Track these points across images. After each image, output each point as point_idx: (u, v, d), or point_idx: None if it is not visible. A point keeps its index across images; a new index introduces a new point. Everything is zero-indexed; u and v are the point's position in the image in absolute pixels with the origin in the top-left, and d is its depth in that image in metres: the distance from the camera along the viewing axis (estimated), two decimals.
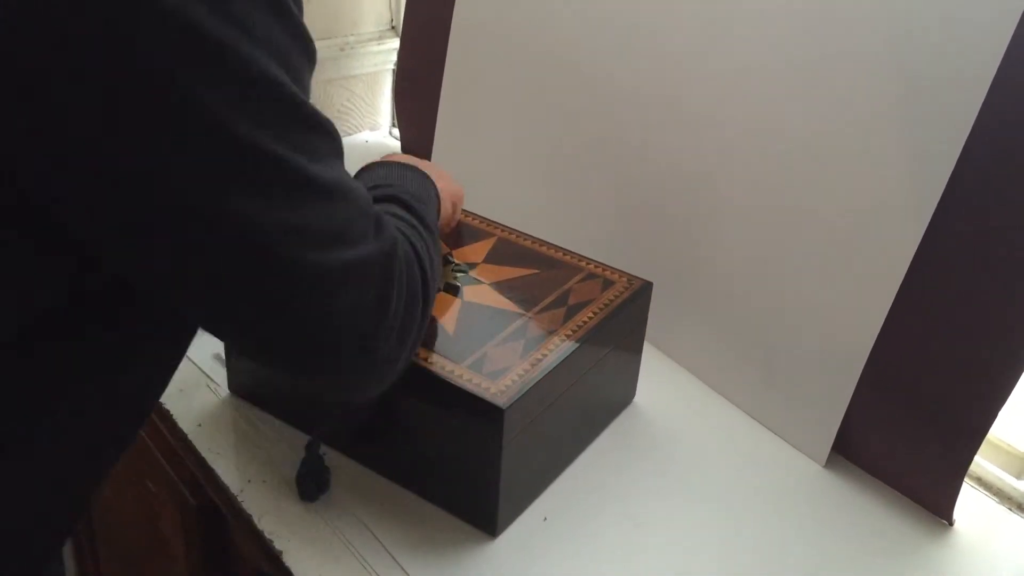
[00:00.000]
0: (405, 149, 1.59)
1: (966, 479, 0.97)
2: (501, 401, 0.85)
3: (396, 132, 1.66)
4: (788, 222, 1.03)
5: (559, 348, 0.92)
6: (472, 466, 0.89)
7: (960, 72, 0.86)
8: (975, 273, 0.90)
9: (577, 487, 0.98)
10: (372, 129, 1.70)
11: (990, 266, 0.89)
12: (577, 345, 0.93)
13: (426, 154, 1.49)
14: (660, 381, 1.13)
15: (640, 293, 1.03)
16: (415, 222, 0.79)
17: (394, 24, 1.63)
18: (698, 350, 1.15)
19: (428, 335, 0.92)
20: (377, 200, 0.80)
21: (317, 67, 1.55)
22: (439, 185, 0.93)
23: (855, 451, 1.03)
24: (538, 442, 0.93)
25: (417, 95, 1.53)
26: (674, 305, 1.14)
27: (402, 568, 0.87)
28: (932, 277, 0.93)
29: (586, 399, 0.99)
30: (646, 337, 1.08)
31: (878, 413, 0.99)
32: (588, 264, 1.06)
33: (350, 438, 0.98)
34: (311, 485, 0.94)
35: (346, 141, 1.60)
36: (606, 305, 0.99)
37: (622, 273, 1.05)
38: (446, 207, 0.96)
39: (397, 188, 0.84)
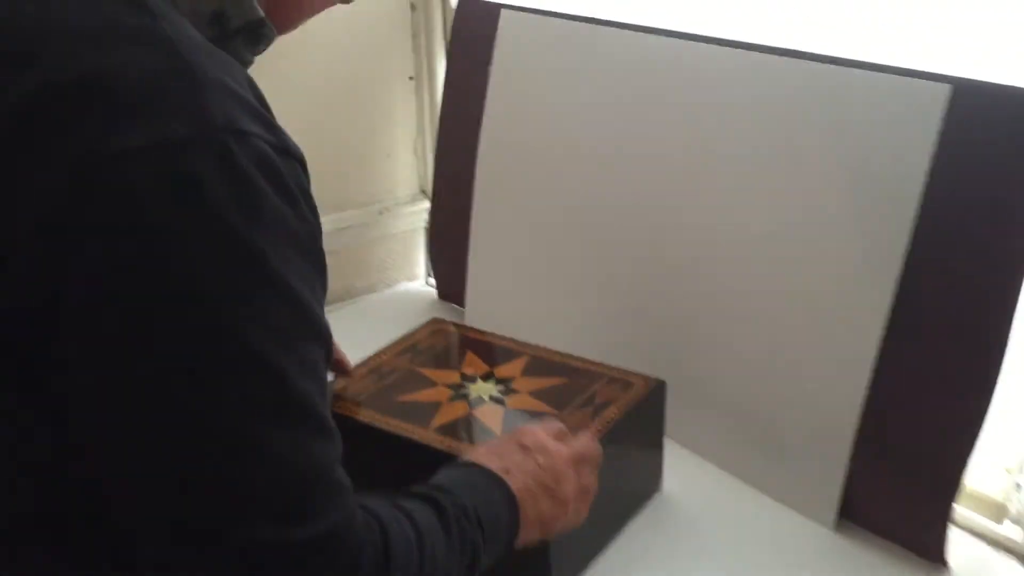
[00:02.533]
0: (442, 294, 1.80)
1: (959, 528, 1.12)
2: None
3: (432, 281, 1.87)
4: (774, 316, 1.21)
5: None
6: (524, 549, 1.05)
7: (901, 162, 1.07)
8: (938, 345, 1.08)
9: (617, 562, 1.13)
10: (410, 280, 1.91)
11: (949, 338, 1.07)
12: (603, 435, 1.10)
13: (459, 297, 1.70)
14: (683, 471, 1.29)
15: (656, 391, 1.20)
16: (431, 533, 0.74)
17: (423, 188, 1.87)
18: (712, 439, 1.31)
19: (481, 436, 1.10)
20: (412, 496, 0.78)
21: (361, 228, 1.78)
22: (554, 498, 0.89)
23: (859, 513, 1.18)
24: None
25: (448, 247, 1.75)
26: (688, 401, 1.31)
27: None
28: (902, 349, 1.10)
29: (617, 486, 1.15)
30: (669, 433, 1.25)
31: (873, 476, 1.15)
32: (610, 370, 1.24)
33: None
34: None
35: (386, 292, 1.84)
36: (627, 403, 1.17)
37: (640, 375, 1.22)
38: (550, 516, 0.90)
39: (447, 491, 0.81)
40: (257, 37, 0.71)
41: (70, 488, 0.62)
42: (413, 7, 1.76)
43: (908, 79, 1.07)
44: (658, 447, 1.24)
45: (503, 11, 1.57)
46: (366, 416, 1.15)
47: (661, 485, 1.26)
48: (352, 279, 1.84)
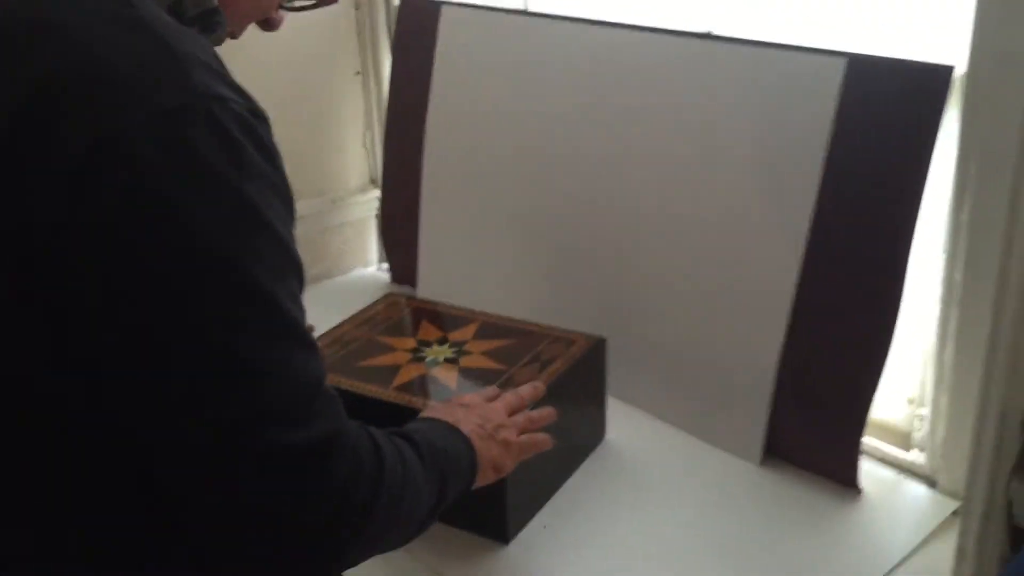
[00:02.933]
0: (395, 278, 1.90)
1: (871, 457, 1.26)
2: None
3: (385, 266, 1.97)
4: (700, 278, 1.34)
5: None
6: (484, 488, 1.16)
7: (805, 130, 1.20)
8: (842, 296, 1.21)
9: (567, 503, 1.25)
10: (364, 266, 2.01)
11: (851, 290, 1.20)
12: (549, 386, 1.21)
13: (412, 278, 1.80)
14: (625, 422, 1.40)
15: (597, 347, 1.32)
16: (407, 457, 0.84)
17: (373, 178, 1.97)
18: (650, 392, 1.43)
19: (438, 392, 1.20)
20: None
21: (315, 217, 1.86)
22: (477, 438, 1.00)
23: (782, 449, 1.30)
24: (532, 466, 1.19)
25: (399, 233, 1.85)
26: (627, 358, 1.42)
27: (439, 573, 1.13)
28: (812, 302, 1.23)
29: (565, 432, 1.26)
30: (611, 388, 1.37)
31: (792, 415, 1.28)
32: (554, 331, 1.35)
33: None
34: None
35: (342, 279, 1.94)
36: (570, 358, 1.28)
37: (582, 334, 1.34)
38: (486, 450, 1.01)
39: (416, 431, 0.92)
40: (211, 25, 0.80)
41: (107, 438, 0.70)
42: (357, 5, 1.86)
43: (808, 55, 1.20)
44: (601, 400, 1.36)
45: (444, 7, 1.68)
46: (331, 380, 1.25)
47: (605, 435, 1.38)
48: (308, 266, 1.88)
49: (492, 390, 1.12)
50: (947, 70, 1.09)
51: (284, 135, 1.81)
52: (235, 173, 0.67)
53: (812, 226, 1.21)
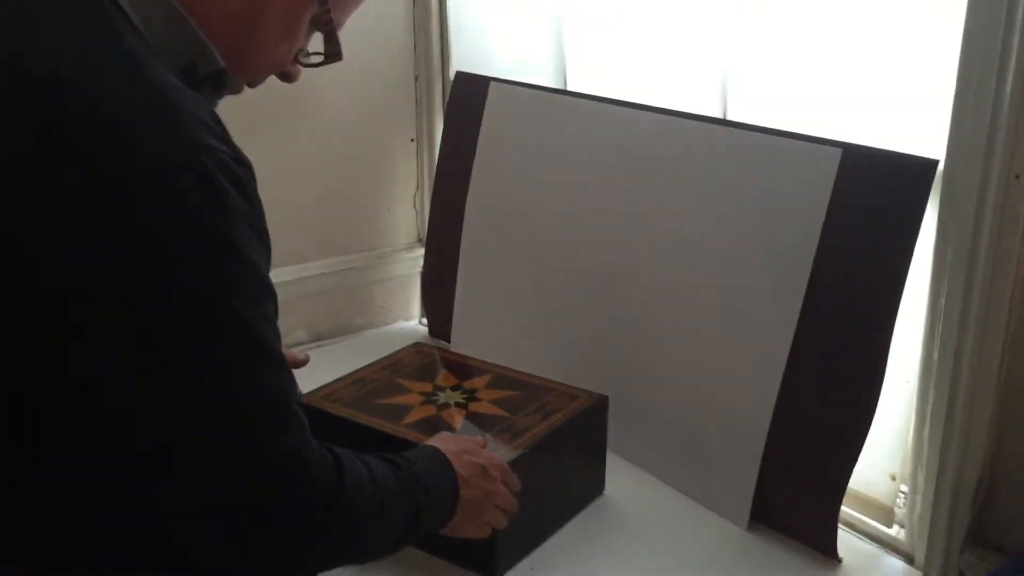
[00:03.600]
0: (432, 332, 2.01)
1: (853, 531, 1.31)
2: None
3: (424, 320, 2.08)
4: (700, 347, 1.41)
5: (536, 437, 1.29)
6: None
7: (803, 212, 1.28)
8: (830, 371, 1.27)
9: (558, 549, 1.32)
10: (406, 320, 2.13)
11: (838, 366, 1.26)
12: (548, 435, 1.30)
13: (447, 334, 1.90)
14: (625, 479, 1.47)
15: (599, 404, 1.40)
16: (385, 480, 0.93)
17: (420, 237, 2.10)
18: (650, 451, 1.50)
19: (443, 431, 1.30)
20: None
21: (363, 271, 1.97)
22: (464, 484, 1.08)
23: (768, 514, 1.36)
24: (525, 506, 1.27)
25: (438, 290, 1.96)
26: (631, 419, 1.50)
27: None
28: (802, 373, 1.30)
29: (561, 481, 1.35)
30: (615, 446, 1.45)
31: (778, 483, 1.33)
32: (561, 386, 1.44)
33: None
34: None
35: (384, 330, 2.06)
36: (572, 411, 1.37)
37: (586, 391, 1.42)
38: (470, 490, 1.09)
39: (403, 459, 1.01)
40: (221, 84, 0.91)
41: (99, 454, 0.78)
42: (416, 78, 2.01)
43: (808, 143, 1.29)
44: (601, 455, 1.43)
45: (492, 83, 1.81)
46: (347, 413, 1.36)
47: (604, 489, 1.45)
48: (353, 316, 2.06)
49: (482, 441, 1.21)
50: (932, 163, 1.17)
51: (341, 192, 1.97)
52: (220, 216, 0.77)
53: (804, 302, 1.28)
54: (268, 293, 0.82)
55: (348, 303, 2.04)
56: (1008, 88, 1.02)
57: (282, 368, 0.82)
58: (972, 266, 1.10)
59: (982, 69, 1.06)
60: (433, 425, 1.33)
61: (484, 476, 1.11)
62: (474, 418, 1.36)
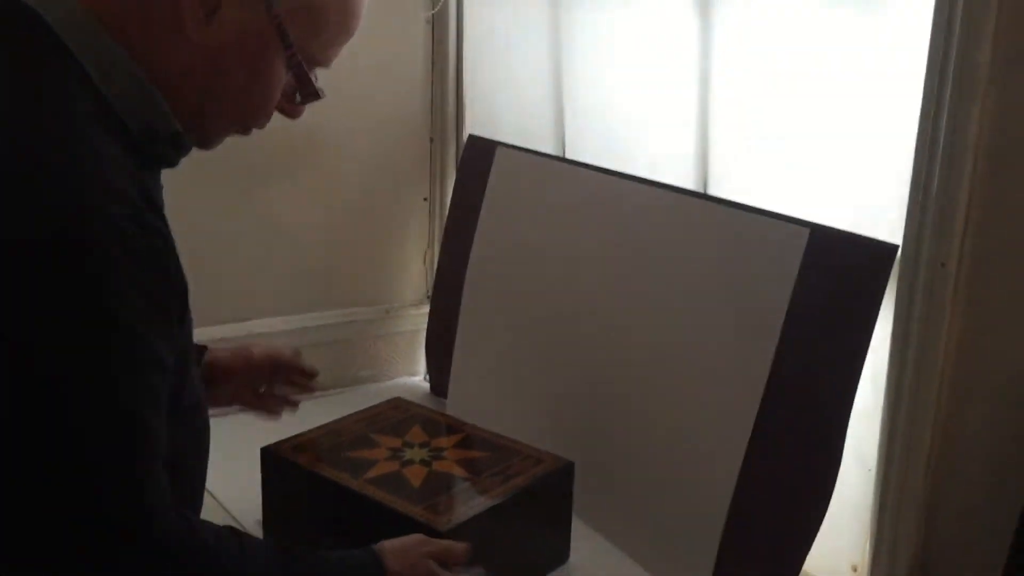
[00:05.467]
0: (433, 389, 2.02)
1: None
2: (442, 527, 1.22)
3: (428, 376, 2.10)
4: (667, 423, 1.40)
5: (493, 500, 1.29)
6: None
7: (770, 287, 1.27)
8: (787, 455, 1.25)
9: None
10: (410, 375, 2.15)
11: (796, 449, 1.24)
12: (504, 500, 1.30)
13: (446, 392, 1.92)
14: (590, 548, 1.45)
15: (564, 469, 1.40)
16: None
17: (429, 293, 2.12)
18: (617, 523, 1.48)
19: (400, 488, 1.31)
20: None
21: (368, 324, 2.00)
22: None
23: None
24: (479, 566, 1.27)
25: (440, 348, 1.98)
26: (602, 488, 1.49)
27: None
28: (762, 457, 1.28)
29: (519, 546, 1.34)
30: (583, 514, 1.44)
31: (735, 562, 1.31)
32: (529, 449, 1.44)
33: None
34: None
35: (386, 385, 2.08)
36: (533, 475, 1.36)
37: (552, 455, 1.42)
38: None
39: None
40: (179, 145, 0.93)
41: None
42: (432, 139, 2.06)
43: (779, 221, 1.29)
44: (566, 521, 1.42)
45: (498, 148, 1.84)
46: (308, 464, 1.38)
47: (568, 558, 1.43)
48: (358, 368, 2.08)
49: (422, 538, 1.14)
50: (892, 248, 1.16)
51: (353, 245, 2.01)
52: (89, 287, 0.78)
53: (768, 379, 1.27)
54: (148, 360, 0.82)
55: (353, 355, 2.07)
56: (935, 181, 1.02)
57: (143, 437, 0.82)
58: (932, 350, 1.08)
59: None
60: (392, 481, 1.34)
61: None
62: (433, 476, 1.36)
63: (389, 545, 1.06)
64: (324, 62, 0.98)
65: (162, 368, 0.84)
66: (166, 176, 0.97)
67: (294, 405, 1.40)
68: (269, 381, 1.37)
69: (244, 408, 1.36)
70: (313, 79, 0.96)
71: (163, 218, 0.87)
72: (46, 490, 0.78)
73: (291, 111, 0.99)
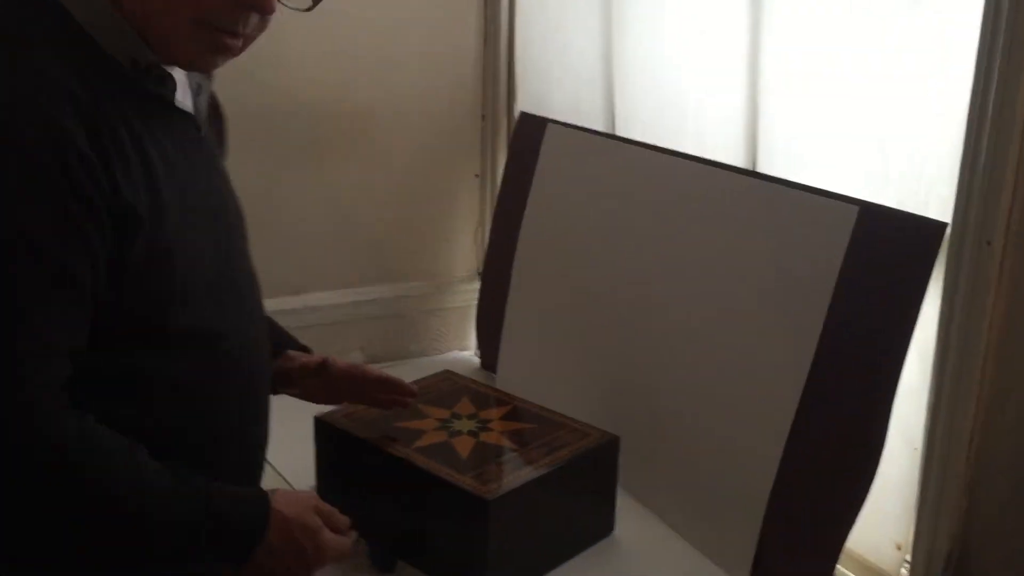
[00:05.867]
0: (484, 364, 2.05)
1: None
2: (489, 495, 1.25)
3: (478, 351, 2.13)
4: (713, 398, 1.41)
5: (539, 471, 1.32)
6: (464, 550, 1.27)
7: (817, 266, 1.27)
8: (832, 432, 1.26)
9: None
10: (461, 350, 2.18)
11: (841, 425, 1.25)
12: (550, 471, 1.32)
13: (495, 366, 1.95)
14: (636, 520, 1.48)
15: (609, 443, 1.42)
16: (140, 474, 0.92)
17: (480, 269, 2.15)
18: (662, 497, 1.50)
19: (448, 458, 1.34)
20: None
21: (420, 298, 2.05)
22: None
23: (767, 570, 1.34)
24: (522, 538, 1.30)
25: (490, 323, 2.01)
26: (649, 462, 1.51)
27: None
28: (807, 434, 1.29)
29: (564, 517, 1.37)
30: (629, 487, 1.46)
31: (778, 540, 1.32)
32: (575, 423, 1.46)
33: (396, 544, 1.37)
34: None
35: (438, 358, 2.12)
36: (578, 448, 1.39)
37: (598, 429, 1.44)
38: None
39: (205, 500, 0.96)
40: (161, 76, 0.97)
41: None
42: (484, 116, 2.08)
43: (828, 200, 1.29)
44: (610, 494, 1.45)
45: (549, 125, 1.86)
46: (363, 433, 1.41)
47: (613, 530, 1.46)
48: (408, 342, 2.12)
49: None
50: (940, 225, 1.15)
51: (406, 221, 2.07)
52: None
53: (815, 356, 1.28)
54: (34, 264, 0.86)
55: (405, 329, 2.11)
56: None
57: (24, 335, 0.87)
58: (977, 336, 1.08)
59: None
60: (440, 451, 1.37)
61: (297, 556, 1.03)
62: (481, 447, 1.39)
63: (281, 491, 1.07)
64: None
65: (63, 271, 0.88)
66: (243, 152, 1.08)
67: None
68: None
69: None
70: None
71: (112, 137, 0.91)
72: None
73: (259, 2, 0.97)
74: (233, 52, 1.00)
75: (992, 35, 1.01)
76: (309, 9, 1.01)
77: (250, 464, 1.14)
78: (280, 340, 1.33)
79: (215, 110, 1.15)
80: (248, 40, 1.01)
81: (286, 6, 0.99)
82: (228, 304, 1.06)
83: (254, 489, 1.07)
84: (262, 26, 1.00)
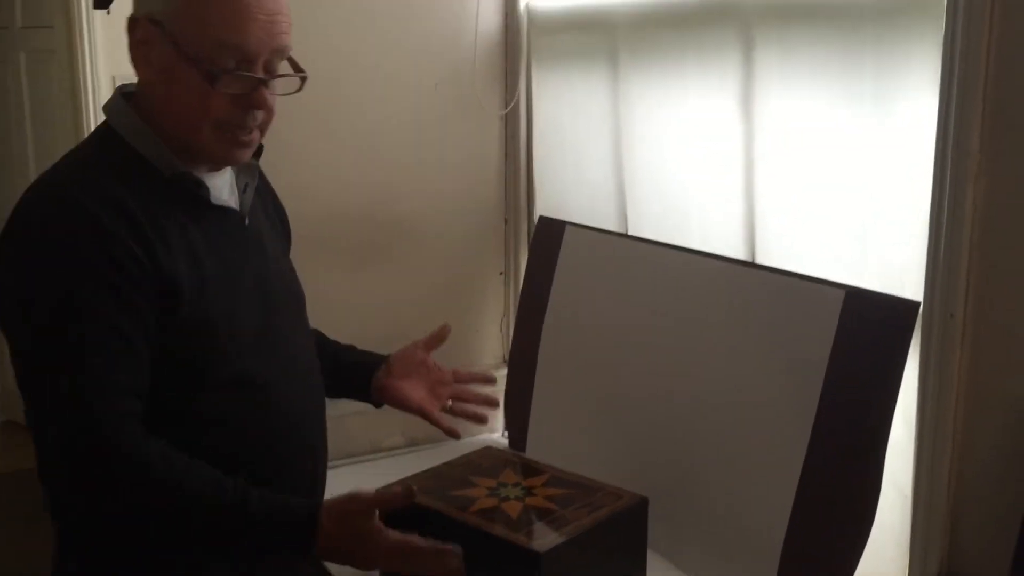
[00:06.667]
0: (512, 444, 2.25)
1: None
2: (540, 549, 1.44)
3: (506, 434, 2.33)
4: (727, 466, 1.62)
5: (578, 529, 1.51)
6: None
7: (812, 344, 1.50)
8: (832, 489, 1.46)
9: None
10: (490, 432, 2.38)
11: (838, 483, 1.45)
12: (592, 527, 1.52)
13: (523, 446, 2.15)
14: (663, 573, 1.67)
15: (639, 504, 1.61)
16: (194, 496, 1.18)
17: (505, 358, 2.37)
18: (690, 556, 1.69)
19: (501, 519, 1.53)
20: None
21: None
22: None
23: None
24: None
25: (518, 407, 2.22)
26: (668, 525, 1.70)
27: None
28: (810, 493, 1.49)
29: (602, 570, 1.55)
30: (664, 553, 1.66)
31: None
32: (608, 487, 1.66)
33: None
34: None
35: (469, 441, 2.30)
36: (614, 508, 1.58)
37: (630, 492, 1.64)
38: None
39: (249, 503, 1.20)
40: (201, 184, 1.25)
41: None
42: (506, 220, 2.33)
43: (819, 285, 1.52)
44: (642, 552, 1.63)
45: (568, 227, 2.10)
46: (425, 501, 1.61)
47: None
48: None
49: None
50: (915, 304, 1.38)
51: (438, 315, 2.29)
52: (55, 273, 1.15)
53: (815, 421, 1.49)
54: (94, 323, 1.15)
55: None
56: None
57: (89, 375, 1.14)
58: (947, 396, 1.30)
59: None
60: (493, 513, 1.57)
61: (353, 539, 1.25)
62: (528, 509, 1.59)
63: (328, 503, 1.27)
64: (238, 56, 1.21)
65: (117, 329, 1.16)
66: (295, 251, 1.40)
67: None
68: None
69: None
70: (221, 76, 1.20)
71: (154, 228, 1.19)
72: (41, 411, 1.17)
73: (250, 101, 1.23)
74: (251, 145, 1.29)
75: (943, 150, 1.26)
76: (298, 90, 1.28)
77: (306, 495, 1.35)
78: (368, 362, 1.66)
79: (277, 206, 1.48)
80: (263, 129, 1.29)
81: (279, 95, 1.26)
82: (270, 358, 1.32)
83: (305, 503, 1.27)
84: (269, 117, 1.27)
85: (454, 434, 1.63)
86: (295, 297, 1.43)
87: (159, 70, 1.21)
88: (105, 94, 2.63)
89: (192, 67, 1.19)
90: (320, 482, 1.42)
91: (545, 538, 1.49)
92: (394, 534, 1.29)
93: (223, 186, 1.32)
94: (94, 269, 1.15)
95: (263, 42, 1.20)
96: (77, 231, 1.15)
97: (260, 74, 1.22)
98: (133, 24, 1.22)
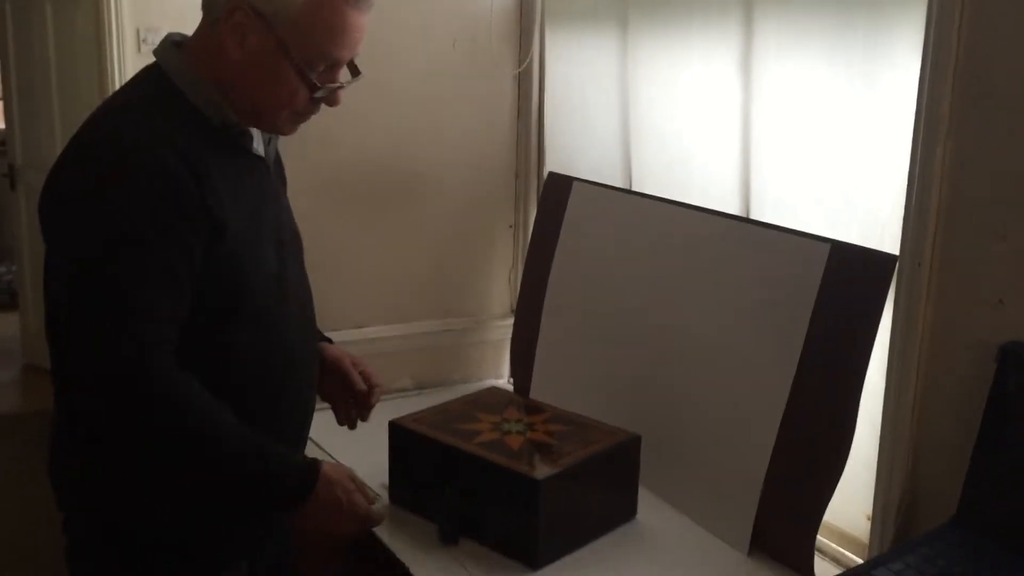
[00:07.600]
0: (516, 390, 2.37)
1: (835, 562, 1.59)
2: (538, 477, 1.56)
3: (511, 379, 2.45)
4: (714, 402, 1.73)
5: (575, 460, 1.63)
6: (517, 524, 1.58)
7: (798, 294, 1.60)
8: (813, 424, 1.57)
9: (590, 556, 1.63)
10: (496, 378, 2.50)
11: (820, 419, 1.56)
12: (587, 459, 1.63)
13: (527, 392, 2.26)
14: (653, 508, 1.78)
15: (632, 441, 1.73)
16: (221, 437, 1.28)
17: (513, 307, 2.48)
18: (676, 488, 1.80)
19: (503, 451, 1.65)
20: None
21: (461, 333, 2.42)
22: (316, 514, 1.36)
23: (764, 542, 1.64)
24: (564, 515, 1.60)
25: (523, 354, 2.33)
26: (667, 461, 1.81)
27: None
28: (793, 427, 1.60)
29: (596, 500, 1.67)
30: (651, 485, 1.77)
31: (771, 515, 1.62)
32: (604, 425, 1.77)
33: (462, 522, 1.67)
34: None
35: (476, 384, 2.43)
36: (607, 443, 1.70)
37: (624, 431, 1.75)
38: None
39: (268, 460, 1.32)
40: (242, 132, 1.36)
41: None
42: (517, 175, 2.43)
43: (805, 238, 1.62)
44: (633, 484, 1.75)
45: (575, 182, 2.20)
46: (431, 433, 1.73)
47: (636, 515, 1.76)
48: (451, 371, 2.45)
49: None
50: (893, 258, 1.48)
51: (450, 265, 2.45)
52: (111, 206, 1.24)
53: (798, 364, 1.60)
54: (144, 256, 1.23)
55: (448, 359, 2.44)
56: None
57: (136, 303, 1.23)
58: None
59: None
60: (495, 446, 1.68)
61: (335, 509, 1.37)
62: (528, 443, 1.71)
63: (327, 462, 1.40)
64: (330, 62, 1.33)
65: (167, 264, 1.25)
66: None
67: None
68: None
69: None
70: (316, 78, 1.32)
71: (204, 170, 1.28)
72: (81, 334, 1.24)
73: (330, 101, 1.37)
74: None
75: (924, 116, 1.36)
76: (352, 80, 1.39)
77: (300, 424, 1.49)
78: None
79: (278, 159, 1.56)
80: None
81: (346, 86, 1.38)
82: (283, 295, 1.43)
83: (309, 458, 1.41)
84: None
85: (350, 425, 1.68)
86: (299, 241, 1.53)
87: (251, 54, 1.30)
88: (130, 45, 2.74)
89: (291, 66, 1.30)
90: (312, 412, 1.54)
91: (543, 468, 1.61)
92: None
93: (256, 136, 1.43)
94: (151, 204, 1.23)
95: (352, 53, 1.35)
96: (136, 167, 1.24)
97: (344, 80, 1.37)
98: (233, 7, 1.29)
